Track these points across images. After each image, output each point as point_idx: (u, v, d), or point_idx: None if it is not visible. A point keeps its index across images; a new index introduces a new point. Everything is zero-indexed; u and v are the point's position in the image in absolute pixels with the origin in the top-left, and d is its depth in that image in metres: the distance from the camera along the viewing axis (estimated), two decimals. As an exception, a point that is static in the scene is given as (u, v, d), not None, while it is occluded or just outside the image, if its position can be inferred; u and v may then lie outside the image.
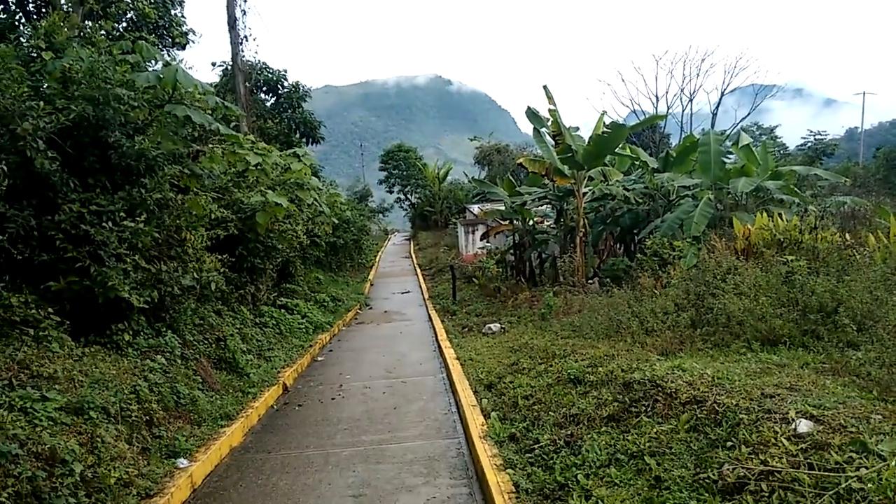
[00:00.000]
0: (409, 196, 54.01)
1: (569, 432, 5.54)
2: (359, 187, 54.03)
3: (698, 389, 5.12)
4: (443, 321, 14.74)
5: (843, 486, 3.34)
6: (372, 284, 24.68)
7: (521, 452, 5.59)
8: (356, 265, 26.99)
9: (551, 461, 5.16)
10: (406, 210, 56.81)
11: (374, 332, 14.49)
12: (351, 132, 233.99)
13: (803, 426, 4.03)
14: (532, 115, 14.99)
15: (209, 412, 7.08)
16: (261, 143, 11.97)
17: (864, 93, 56.54)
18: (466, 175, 39.10)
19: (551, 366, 7.67)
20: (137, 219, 6.79)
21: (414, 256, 36.08)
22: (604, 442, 5.10)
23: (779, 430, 4.04)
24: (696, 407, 4.88)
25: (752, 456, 3.88)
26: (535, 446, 5.56)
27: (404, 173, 52.16)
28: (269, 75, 25.09)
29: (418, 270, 28.92)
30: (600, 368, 6.68)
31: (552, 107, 13.99)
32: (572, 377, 6.78)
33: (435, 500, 5.16)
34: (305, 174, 12.42)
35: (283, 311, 12.81)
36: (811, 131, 41.70)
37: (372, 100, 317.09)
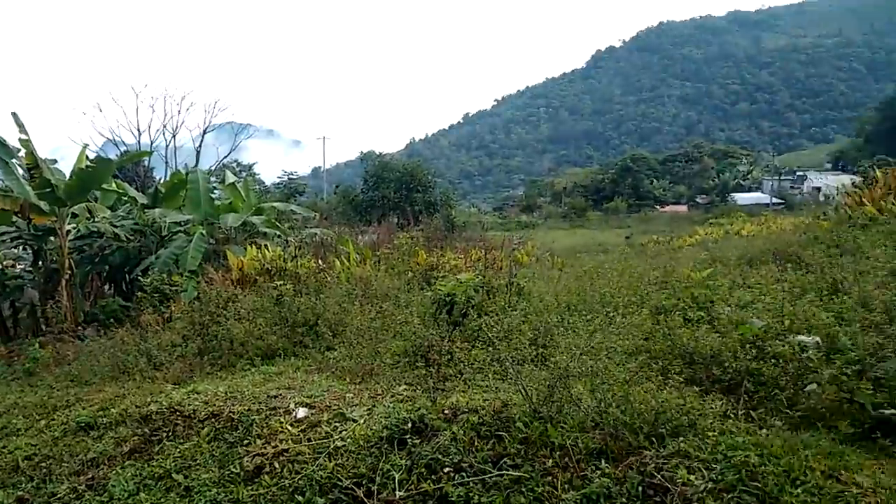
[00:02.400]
0: None
1: (90, 476, 5.39)
2: None
3: (215, 405, 5.74)
4: None
5: (332, 446, 4.49)
6: None
7: (32, 513, 5.15)
8: None
9: (72, 510, 4.97)
10: None
11: None
12: None
13: (301, 413, 5.11)
14: (-4, 144, 13.03)
15: None
16: None
17: (325, 137, 67.90)
18: None
19: (54, 419, 7.05)
20: None
21: None
22: (129, 474, 5.17)
23: (284, 420, 5.02)
24: (214, 420, 5.48)
25: (266, 444, 4.74)
26: (52, 500, 5.21)
27: None
28: None
29: None
30: (112, 409, 6.58)
31: (24, 136, 12.51)
32: (83, 424, 6.46)
33: None
34: None
35: None
36: (285, 171, 47.55)
37: None
